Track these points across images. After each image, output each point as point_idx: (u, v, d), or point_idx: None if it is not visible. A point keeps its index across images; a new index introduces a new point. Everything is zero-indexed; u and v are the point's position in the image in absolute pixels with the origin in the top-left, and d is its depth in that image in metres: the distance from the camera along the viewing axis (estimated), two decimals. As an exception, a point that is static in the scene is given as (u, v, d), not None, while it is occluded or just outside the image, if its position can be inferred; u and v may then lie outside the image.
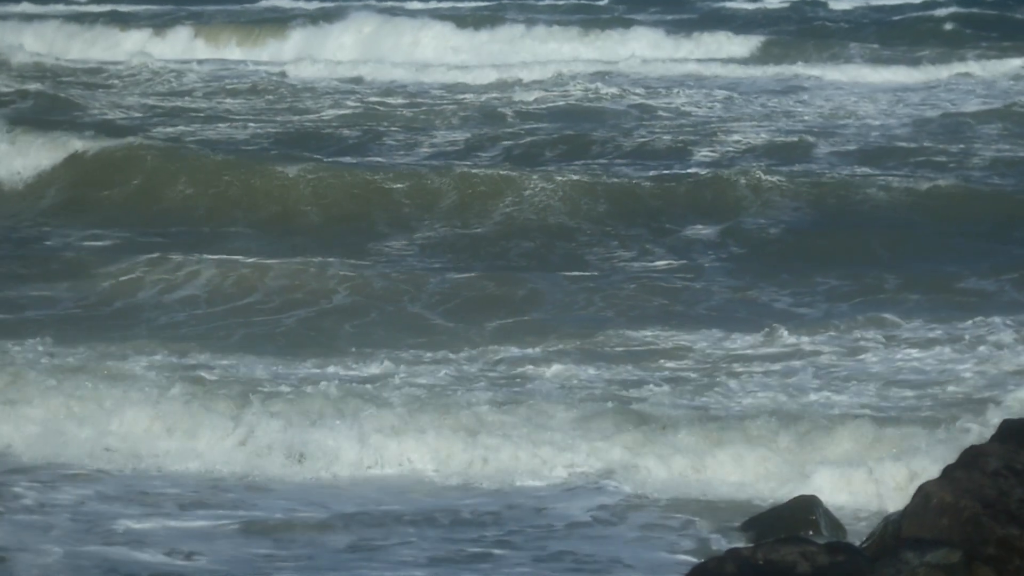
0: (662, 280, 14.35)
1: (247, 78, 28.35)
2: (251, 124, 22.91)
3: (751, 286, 14.06)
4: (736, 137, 21.27)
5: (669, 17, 39.91)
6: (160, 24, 37.17)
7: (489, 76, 28.50)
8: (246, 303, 13.76)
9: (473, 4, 42.39)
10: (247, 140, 21.53)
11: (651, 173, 18.64)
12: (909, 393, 10.73)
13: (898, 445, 9.56)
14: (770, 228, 16.40)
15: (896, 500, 8.61)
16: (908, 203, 17.06)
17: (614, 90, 26.17)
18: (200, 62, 30.93)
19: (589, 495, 9.22)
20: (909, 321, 12.61)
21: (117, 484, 9.45)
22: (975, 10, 38.00)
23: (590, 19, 38.36)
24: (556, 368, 11.44)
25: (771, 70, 29.20)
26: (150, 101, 25.46)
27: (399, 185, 17.88)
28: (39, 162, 18.96)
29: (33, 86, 26.04)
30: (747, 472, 9.47)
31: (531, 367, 11.54)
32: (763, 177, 17.75)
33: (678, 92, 26.26)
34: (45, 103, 24.54)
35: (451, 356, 11.89)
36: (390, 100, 25.81)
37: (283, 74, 28.77)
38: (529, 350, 12.04)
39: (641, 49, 33.16)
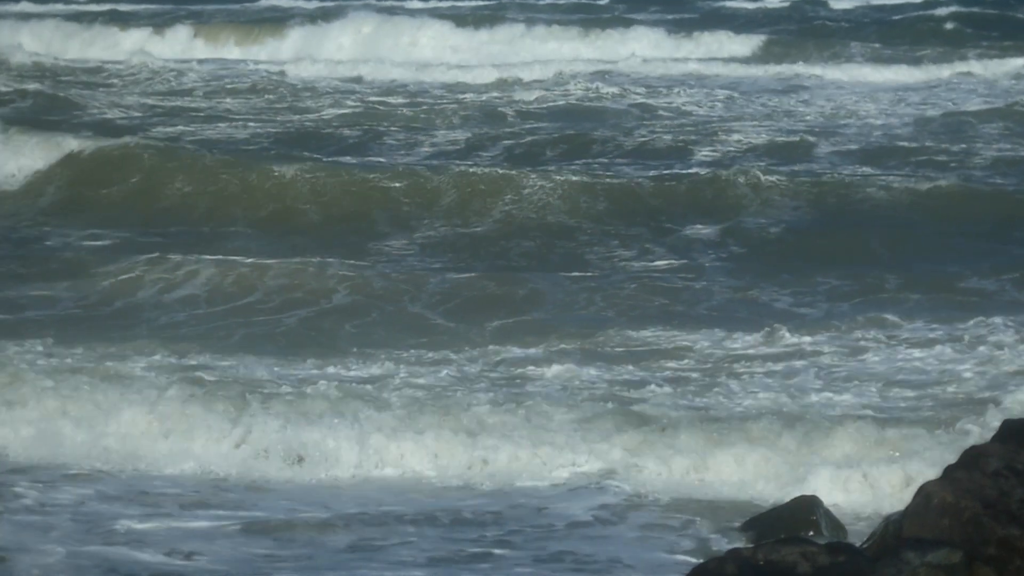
0: (663, 280, 14.35)
1: (247, 77, 28.33)
2: (251, 124, 22.90)
3: (752, 286, 14.05)
4: (737, 137, 21.26)
5: (669, 16, 39.87)
6: (159, 23, 37.13)
7: (489, 75, 28.48)
8: (246, 303, 13.74)
9: (473, 3, 42.35)
10: (247, 139, 21.52)
11: (652, 173, 18.63)
12: (910, 393, 10.72)
13: (899, 446, 9.55)
14: (771, 228, 16.39)
15: (897, 500, 8.60)
16: (909, 203, 17.05)
17: (614, 89, 26.16)
18: (200, 61, 30.91)
19: (590, 495, 9.21)
20: (910, 321, 12.60)
21: (117, 484, 9.44)
22: (976, 9, 37.96)
23: (590, 18, 38.33)
24: (557, 368, 11.43)
25: (772, 69, 29.17)
26: (150, 101, 25.44)
27: (397, 184, 17.87)
28: (34, 162, 18.93)
29: (32, 85, 26.01)
30: (748, 472, 9.46)
31: (532, 367, 11.53)
32: (764, 177, 17.74)
33: (679, 91, 26.25)
34: (44, 103, 24.52)
35: (452, 356, 11.88)
36: (390, 99, 25.80)
37: (283, 73, 28.75)
38: (530, 350, 12.03)
39: (641, 48, 33.13)
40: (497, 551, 8.31)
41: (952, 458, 6.71)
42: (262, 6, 43.49)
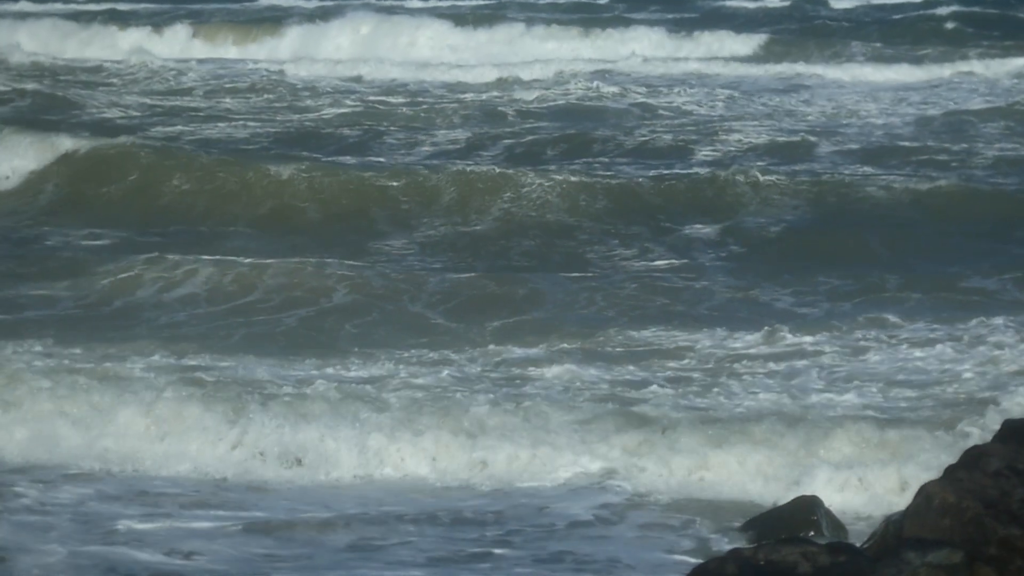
0: (663, 280, 14.34)
1: (246, 77, 28.31)
2: (251, 123, 22.89)
3: (752, 286, 14.04)
4: (737, 136, 21.25)
5: (670, 16, 39.87)
6: (158, 22, 37.10)
7: (489, 75, 28.47)
8: (245, 302, 13.73)
9: (473, 3, 42.33)
10: (247, 139, 21.51)
11: (652, 172, 18.62)
12: (910, 394, 10.71)
13: (899, 446, 9.54)
14: (771, 227, 16.38)
15: (897, 500, 8.59)
16: (909, 202, 17.05)
17: (615, 89, 26.15)
18: (200, 61, 30.90)
19: (590, 495, 9.20)
20: (911, 321, 12.59)
21: (117, 484, 9.44)
22: (976, 9, 37.96)
23: (590, 18, 38.34)
24: (558, 368, 11.42)
25: (773, 69, 29.15)
26: (149, 100, 25.43)
27: (396, 183, 17.85)
28: (27, 163, 18.89)
29: (31, 85, 25.99)
30: (748, 472, 9.45)
31: (532, 367, 11.52)
32: (764, 176, 17.73)
33: (679, 91, 26.23)
34: (42, 102, 24.50)
35: (452, 356, 11.87)
36: (390, 99, 25.79)
37: (282, 73, 28.74)
38: (530, 350, 12.02)
39: (642, 48, 33.13)
40: (497, 551, 8.31)
41: (953, 458, 6.70)
42: (261, 5, 43.47)
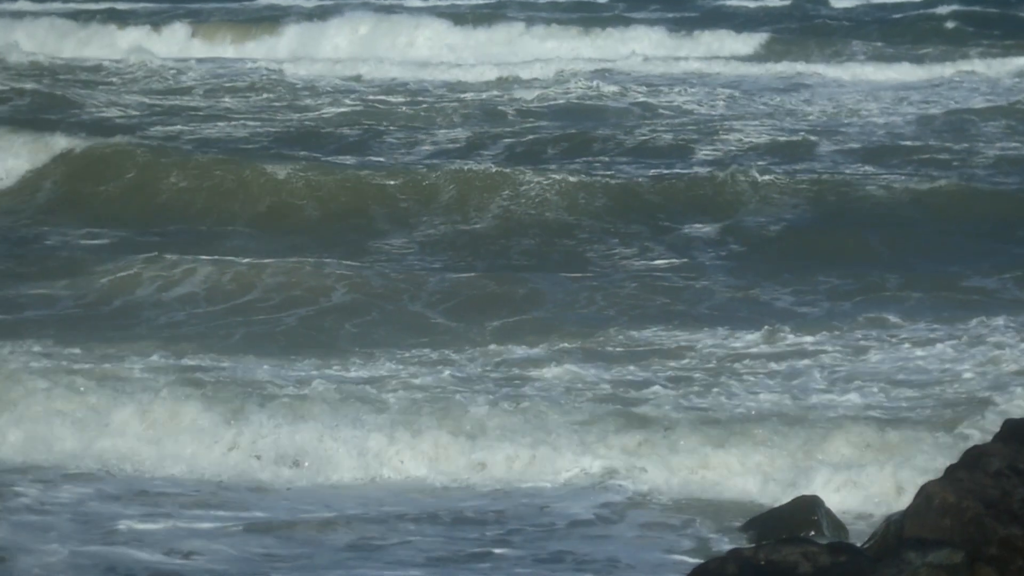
0: (664, 279, 14.33)
1: (246, 76, 28.30)
2: (250, 122, 22.88)
3: (753, 285, 14.04)
4: (738, 135, 21.24)
5: (670, 15, 39.84)
6: (157, 21, 37.08)
7: (490, 74, 28.46)
8: (244, 301, 13.72)
9: (472, 2, 42.30)
10: (246, 138, 21.50)
11: (652, 172, 18.62)
12: (911, 393, 10.70)
13: (900, 445, 9.53)
14: (772, 227, 16.37)
15: (898, 500, 8.58)
16: (910, 202, 17.04)
17: (615, 88, 26.13)
18: (199, 60, 30.88)
19: (590, 495, 9.20)
20: (911, 321, 12.58)
21: (117, 484, 9.44)
22: (976, 8, 37.94)
23: (590, 17, 38.32)
24: (558, 368, 11.41)
25: (773, 68, 29.14)
26: (148, 99, 25.41)
27: (394, 182, 17.84)
28: (20, 163, 18.86)
29: (29, 84, 25.97)
30: (749, 472, 9.44)
31: (533, 367, 11.51)
32: (764, 176, 17.72)
33: (680, 90, 26.22)
34: (41, 101, 24.48)
35: (453, 356, 11.86)
36: (390, 98, 25.78)
37: (281, 72, 28.72)
38: (531, 350, 12.01)
39: (642, 47, 33.11)
40: (497, 550, 8.31)
41: (953, 458, 6.70)
42: (260, 4, 43.42)
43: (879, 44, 32.81)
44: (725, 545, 8.17)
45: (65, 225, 16.85)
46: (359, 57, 31.25)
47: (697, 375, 11.28)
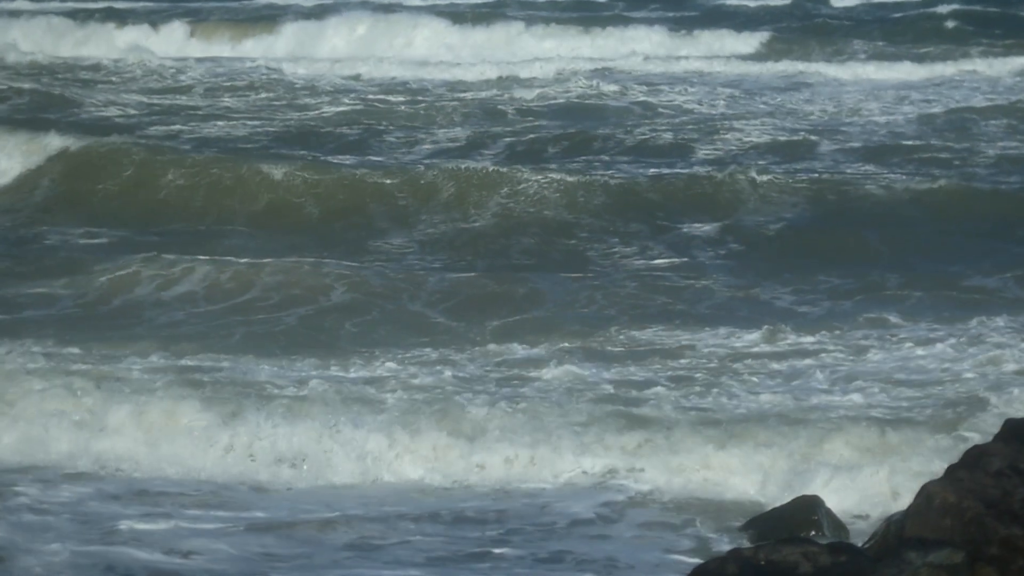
0: (664, 278, 14.32)
1: (245, 75, 28.28)
2: (250, 122, 22.86)
3: (753, 284, 14.03)
4: (738, 135, 21.23)
5: (670, 14, 39.82)
6: (155, 20, 37.05)
7: (489, 73, 28.45)
8: (243, 301, 13.70)
9: (472, 1, 42.28)
10: (246, 137, 21.48)
11: (652, 171, 18.61)
12: (911, 393, 10.69)
13: (901, 445, 9.52)
14: (772, 226, 16.36)
15: (899, 500, 8.58)
16: (910, 201, 17.02)
17: (615, 87, 26.12)
18: (198, 59, 30.87)
19: (590, 495, 9.19)
20: (911, 320, 12.58)
21: (117, 484, 9.44)
22: (977, 7, 37.93)
23: (590, 16, 38.30)
24: (558, 368, 11.40)
25: (774, 67, 29.12)
26: (147, 98, 25.39)
27: (393, 181, 17.82)
28: (17, 163, 18.83)
29: (28, 83, 25.95)
30: (749, 472, 9.43)
31: (533, 367, 11.50)
32: (764, 175, 17.71)
33: (680, 89, 26.21)
34: (40, 100, 24.45)
35: (453, 356, 11.84)
36: (390, 97, 25.76)
37: (281, 71, 28.71)
38: (531, 350, 12.00)
39: (642, 46, 33.09)
40: (497, 550, 8.30)
41: (954, 458, 6.69)
42: (259, 3, 43.38)
43: (880, 43, 32.80)
44: (725, 545, 8.16)
45: (63, 224, 16.83)
46: (358, 56, 31.23)
47: (697, 375, 11.27)
